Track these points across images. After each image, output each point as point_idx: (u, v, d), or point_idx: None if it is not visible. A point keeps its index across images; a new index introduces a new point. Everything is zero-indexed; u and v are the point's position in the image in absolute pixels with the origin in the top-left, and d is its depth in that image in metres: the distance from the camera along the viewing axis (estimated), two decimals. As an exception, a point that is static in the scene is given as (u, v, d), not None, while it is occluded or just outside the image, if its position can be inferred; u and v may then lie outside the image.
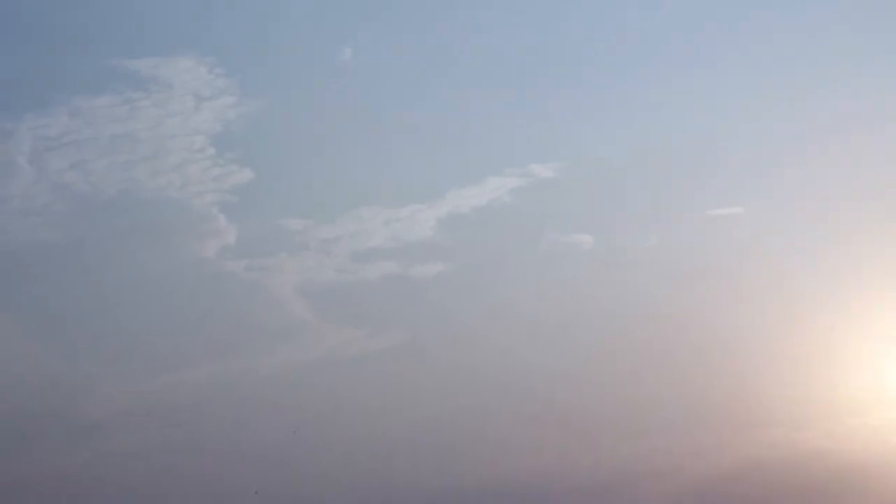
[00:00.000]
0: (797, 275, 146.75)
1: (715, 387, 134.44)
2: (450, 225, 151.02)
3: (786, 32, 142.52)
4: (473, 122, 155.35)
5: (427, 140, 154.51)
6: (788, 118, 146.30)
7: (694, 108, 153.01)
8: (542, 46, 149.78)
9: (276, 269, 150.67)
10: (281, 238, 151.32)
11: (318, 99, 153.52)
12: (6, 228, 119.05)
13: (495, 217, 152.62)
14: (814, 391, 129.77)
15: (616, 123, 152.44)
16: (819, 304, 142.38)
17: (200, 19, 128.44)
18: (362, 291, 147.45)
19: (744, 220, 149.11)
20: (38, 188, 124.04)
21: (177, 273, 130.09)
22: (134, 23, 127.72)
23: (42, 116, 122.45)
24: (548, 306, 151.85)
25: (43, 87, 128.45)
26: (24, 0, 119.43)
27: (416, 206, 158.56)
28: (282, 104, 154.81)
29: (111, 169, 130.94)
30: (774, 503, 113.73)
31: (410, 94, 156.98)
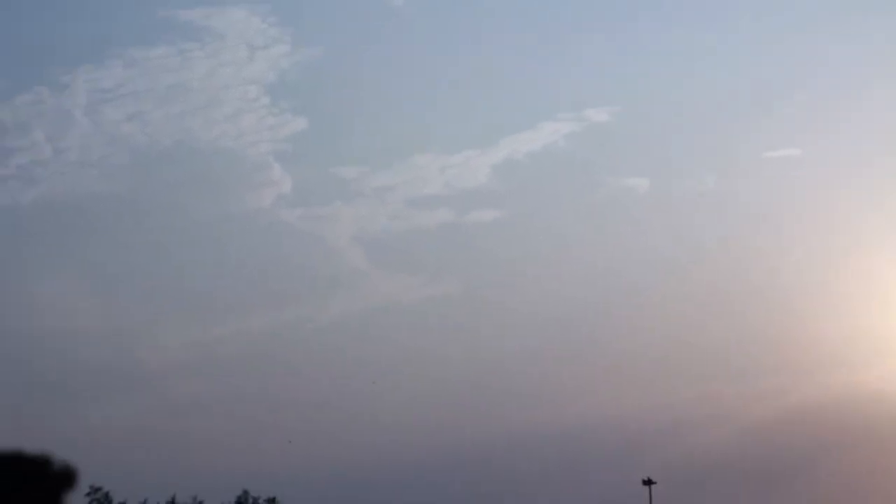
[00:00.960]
0: (855, 216, 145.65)
1: (773, 330, 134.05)
2: (504, 171, 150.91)
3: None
4: (527, 67, 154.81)
5: (481, 86, 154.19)
6: (846, 59, 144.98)
7: (750, 51, 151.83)
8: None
9: (331, 218, 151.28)
10: (336, 186, 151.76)
11: (372, 46, 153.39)
12: (64, 181, 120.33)
13: (550, 163, 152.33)
14: (873, 333, 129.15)
15: (671, 66, 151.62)
16: (877, 246, 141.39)
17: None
18: (417, 239, 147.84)
19: (801, 161, 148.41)
20: (95, 140, 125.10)
21: (232, 223, 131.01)
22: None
23: (97, 69, 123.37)
24: (603, 251, 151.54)
25: (98, 40, 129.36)
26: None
27: (470, 153, 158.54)
28: (335, 52, 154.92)
29: (166, 120, 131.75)
30: (836, 445, 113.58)
31: (463, 41, 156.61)
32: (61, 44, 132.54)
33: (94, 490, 22.36)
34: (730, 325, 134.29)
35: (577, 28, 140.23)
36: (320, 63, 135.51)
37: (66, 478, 2.78)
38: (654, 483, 77.35)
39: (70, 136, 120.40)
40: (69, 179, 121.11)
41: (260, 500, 25.05)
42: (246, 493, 24.63)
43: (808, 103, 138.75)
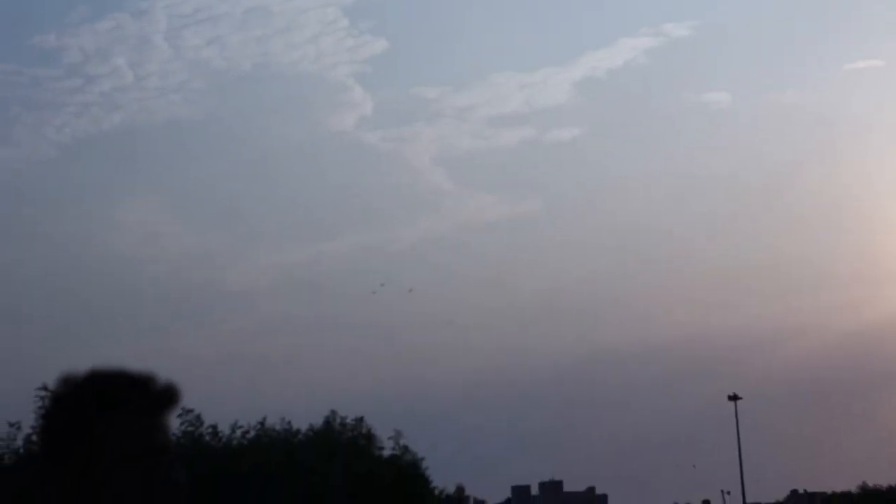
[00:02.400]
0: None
1: (855, 242, 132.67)
2: (584, 88, 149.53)
3: None
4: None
5: (560, 3, 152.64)
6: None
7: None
8: None
9: (412, 139, 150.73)
10: (416, 107, 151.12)
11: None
12: (145, 107, 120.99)
13: (630, 79, 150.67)
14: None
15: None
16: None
17: None
18: (498, 158, 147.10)
19: (883, 73, 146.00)
20: (175, 66, 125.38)
21: (314, 146, 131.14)
22: None
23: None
24: (684, 167, 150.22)
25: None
26: None
27: (549, 71, 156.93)
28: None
29: (245, 44, 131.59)
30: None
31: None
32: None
33: (185, 412, 22.67)
34: (812, 238, 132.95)
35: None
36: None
37: (169, 395, 2.74)
38: (740, 398, 77.21)
39: (150, 62, 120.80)
40: (150, 105, 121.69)
41: (347, 420, 25.34)
42: (334, 412, 24.91)
43: (889, 13, 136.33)
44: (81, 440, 2.65)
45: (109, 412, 2.66)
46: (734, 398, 76.98)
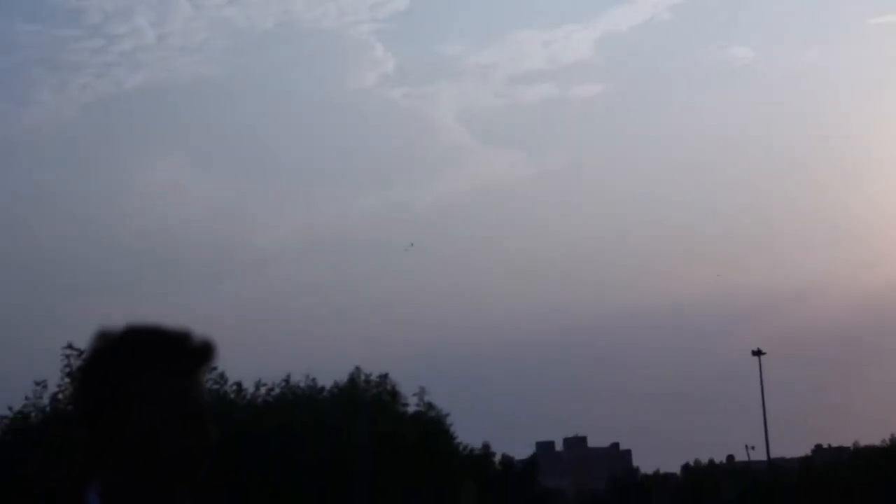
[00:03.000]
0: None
1: (879, 198, 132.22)
2: (607, 45, 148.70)
3: None
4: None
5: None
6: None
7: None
8: None
9: (434, 97, 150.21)
10: (439, 64, 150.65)
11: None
12: (167, 66, 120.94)
13: (652, 35, 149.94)
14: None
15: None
16: None
17: None
18: (521, 115, 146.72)
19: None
20: (197, 24, 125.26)
21: (336, 104, 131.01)
22: None
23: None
24: (707, 123, 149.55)
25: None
26: None
27: (571, 27, 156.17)
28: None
29: (267, 2, 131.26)
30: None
31: None
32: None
33: (210, 369, 22.72)
34: (835, 194, 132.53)
35: None
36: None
37: (205, 352, 2.74)
38: (764, 354, 77.12)
39: (172, 21, 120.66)
40: (172, 65, 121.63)
41: (372, 377, 25.39)
42: (358, 369, 24.96)
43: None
44: (119, 396, 2.65)
45: (147, 369, 2.64)
46: (758, 353, 76.87)
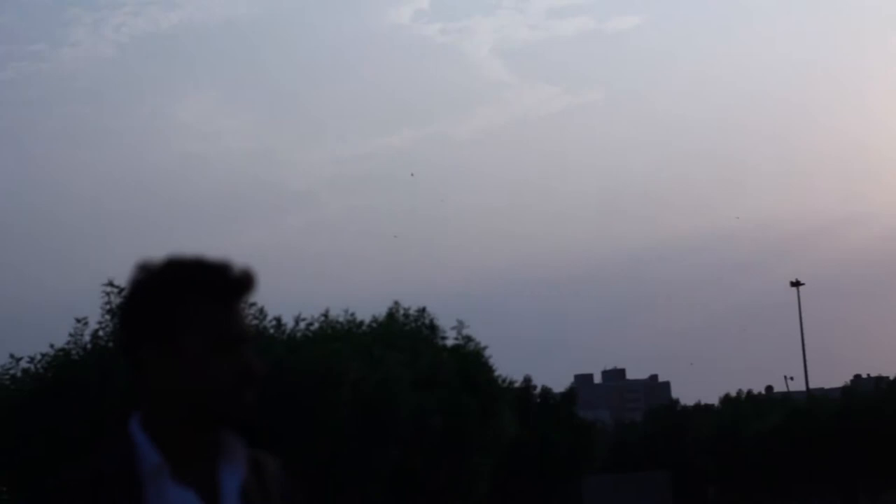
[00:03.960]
0: None
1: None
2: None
3: None
4: None
5: None
6: None
7: None
8: None
9: (470, 31, 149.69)
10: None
11: None
12: (203, 5, 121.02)
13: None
14: None
15: None
16: None
17: None
18: (557, 48, 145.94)
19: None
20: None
21: (372, 40, 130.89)
22: None
23: None
24: (747, 53, 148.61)
25: None
26: None
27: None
28: None
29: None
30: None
31: None
32: None
33: (249, 305, 22.76)
34: (877, 124, 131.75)
35: None
36: None
37: (246, 281, 2.74)
38: (802, 284, 76.84)
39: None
40: (208, 3, 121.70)
41: (410, 311, 25.36)
42: (397, 304, 24.93)
43: None
44: (161, 326, 2.66)
45: (189, 297, 2.66)
46: (796, 284, 76.60)
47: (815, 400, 63.72)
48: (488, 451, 23.91)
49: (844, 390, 61.13)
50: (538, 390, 52.18)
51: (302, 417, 21.14)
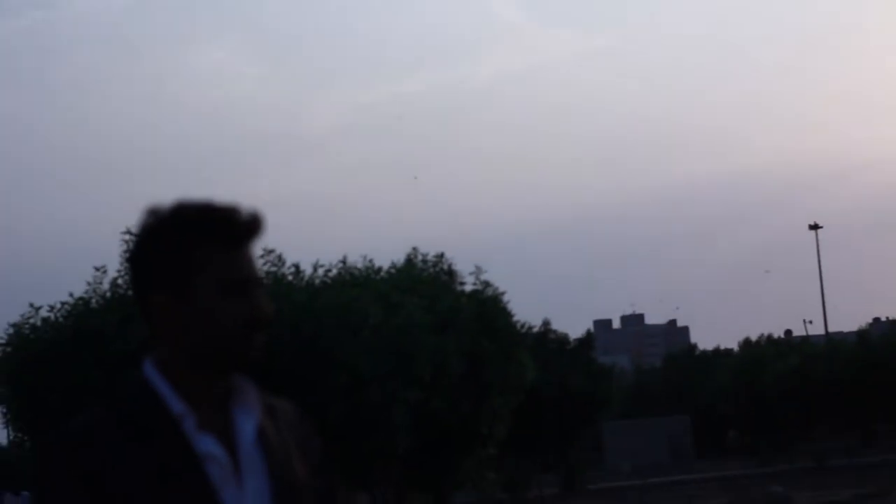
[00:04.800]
0: None
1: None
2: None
3: None
4: None
5: None
6: None
7: None
8: None
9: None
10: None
11: None
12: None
13: None
14: None
15: None
16: None
17: None
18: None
19: None
20: None
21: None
22: None
23: None
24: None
25: None
26: None
27: None
28: None
29: None
30: None
31: None
32: None
33: (267, 252, 22.72)
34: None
35: None
36: None
37: (255, 224, 2.76)
38: (821, 227, 76.65)
39: None
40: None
41: (429, 256, 25.28)
42: (415, 249, 24.84)
43: None
44: (171, 268, 2.68)
45: (198, 240, 2.69)
46: (815, 227, 76.44)
47: (833, 343, 63.69)
48: (508, 395, 23.93)
49: (862, 333, 61.08)
50: (556, 335, 52.23)
51: (322, 363, 21.18)
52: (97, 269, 24.77)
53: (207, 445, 2.66)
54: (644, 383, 77.85)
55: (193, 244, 2.68)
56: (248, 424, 2.72)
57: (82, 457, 2.59)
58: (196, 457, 2.64)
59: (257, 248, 2.79)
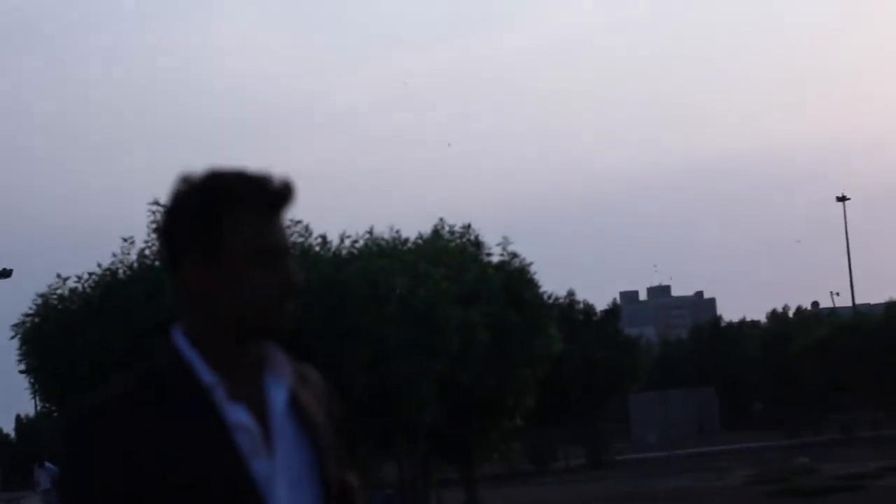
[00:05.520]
0: None
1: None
2: None
3: None
4: None
5: None
6: None
7: None
8: None
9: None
10: None
11: None
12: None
13: None
14: None
15: None
16: None
17: None
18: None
19: None
20: None
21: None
22: None
23: None
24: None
25: None
26: None
27: None
28: None
29: None
30: None
31: None
32: None
33: (295, 223, 22.70)
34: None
35: None
36: None
37: (285, 191, 2.77)
38: (848, 199, 76.30)
39: None
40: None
41: (456, 227, 25.28)
42: (442, 220, 24.83)
43: None
44: (202, 235, 2.65)
45: (230, 207, 2.66)
46: (842, 199, 76.08)
47: (861, 315, 63.43)
48: (534, 366, 23.91)
49: (890, 305, 60.82)
50: (581, 306, 52.17)
51: (349, 333, 21.19)
52: (125, 240, 24.82)
53: (238, 415, 2.64)
54: (670, 355, 77.75)
55: (225, 211, 2.66)
56: (279, 394, 2.70)
57: (110, 426, 2.58)
58: (226, 427, 2.62)
59: (287, 217, 2.76)
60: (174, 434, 2.58)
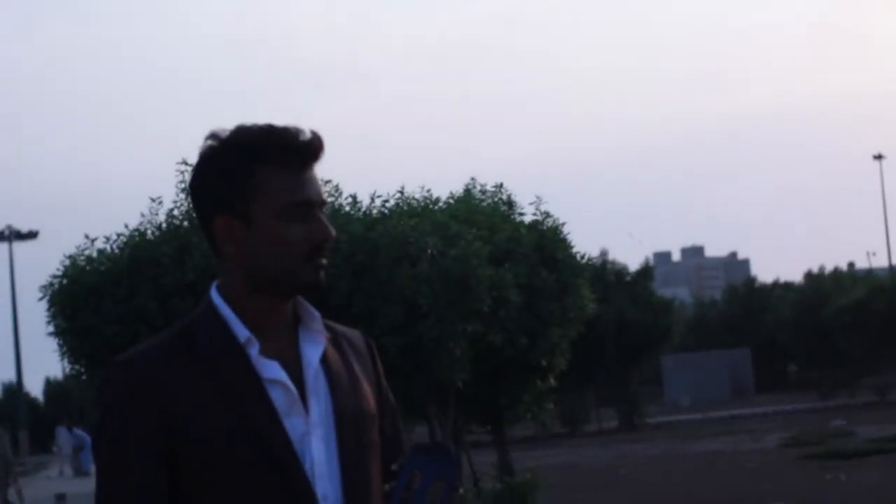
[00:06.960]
0: None
1: None
2: None
3: None
4: None
5: None
6: None
7: None
8: None
9: None
10: None
11: None
12: None
13: None
14: None
15: None
16: None
17: None
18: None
19: None
20: None
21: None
22: None
23: None
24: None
25: None
26: None
27: None
28: None
29: None
30: None
31: None
32: None
33: (325, 182, 22.53)
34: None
35: None
36: None
37: (315, 145, 2.75)
38: (885, 157, 75.59)
39: None
40: None
41: (487, 187, 25.07)
42: (473, 180, 24.59)
43: None
44: (234, 190, 2.69)
45: (260, 161, 2.70)
46: (879, 157, 75.40)
47: (897, 275, 62.87)
48: (566, 326, 23.66)
49: (927, 265, 60.26)
50: (614, 266, 51.87)
51: (380, 293, 20.98)
52: (153, 200, 24.62)
53: (272, 371, 2.69)
54: (704, 316, 77.37)
55: (254, 166, 2.69)
56: (313, 351, 2.75)
57: (147, 380, 2.64)
58: (261, 383, 2.68)
59: (318, 171, 2.78)
60: (209, 389, 2.65)
